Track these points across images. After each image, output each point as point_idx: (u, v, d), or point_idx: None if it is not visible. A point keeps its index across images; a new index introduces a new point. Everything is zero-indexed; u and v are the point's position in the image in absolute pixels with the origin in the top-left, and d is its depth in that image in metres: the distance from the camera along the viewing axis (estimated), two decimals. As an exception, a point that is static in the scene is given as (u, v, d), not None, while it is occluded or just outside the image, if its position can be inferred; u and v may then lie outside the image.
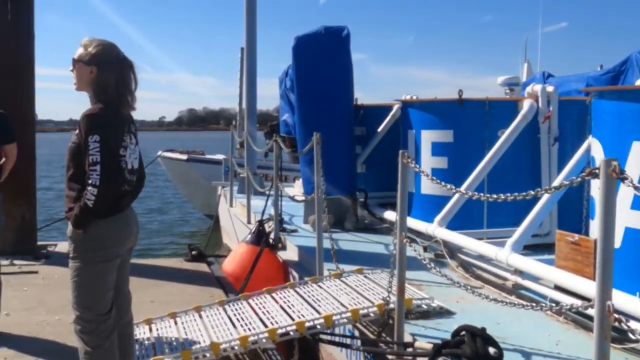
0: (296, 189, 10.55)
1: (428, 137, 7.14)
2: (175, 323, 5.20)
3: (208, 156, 17.79)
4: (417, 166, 4.19)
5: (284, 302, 5.10)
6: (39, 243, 9.33)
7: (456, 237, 5.96)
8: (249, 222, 9.58)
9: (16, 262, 8.23)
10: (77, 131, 3.74)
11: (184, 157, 17.17)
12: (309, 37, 7.98)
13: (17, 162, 5.82)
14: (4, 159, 5.69)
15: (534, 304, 3.42)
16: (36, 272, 7.84)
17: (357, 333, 4.90)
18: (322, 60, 7.91)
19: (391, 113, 8.85)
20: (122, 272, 4.02)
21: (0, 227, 5.70)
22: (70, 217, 3.70)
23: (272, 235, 7.55)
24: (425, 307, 4.69)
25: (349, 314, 4.55)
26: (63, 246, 9.51)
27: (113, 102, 3.76)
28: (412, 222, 6.92)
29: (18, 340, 5.48)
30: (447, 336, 3.94)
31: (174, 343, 4.78)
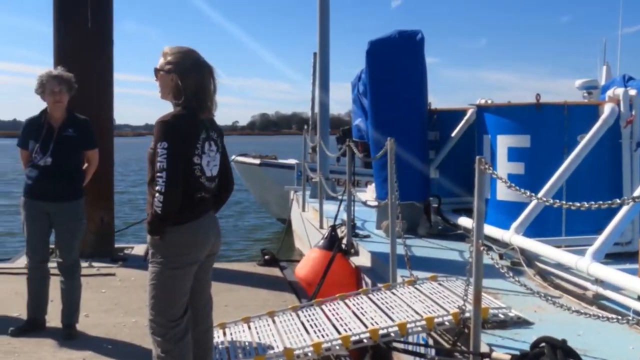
0: (368, 194, 10.49)
1: (504, 142, 6.99)
2: (249, 328, 5.23)
3: (280, 160, 17.90)
4: (495, 172, 4.09)
5: (357, 308, 5.06)
6: (116, 246, 9.56)
7: (534, 245, 5.81)
8: (321, 227, 9.58)
9: (94, 264, 8.45)
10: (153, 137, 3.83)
11: (257, 161, 17.32)
12: (382, 41, 7.92)
13: (97, 167, 5.99)
14: (86, 164, 5.86)
15: (618, 317, 3.29)
16: (114, 275, 8.03)
17: (431, 342, 4.82)
18: (396, 64, 7.83)
19: (465, 117, 8.71)
20: (202, 278, 4.08)
21: (83, 231, 5.87)
22: (146, 224, 3.79)
23: (344, 241, 7.53)
24: (502, 316, 4.58)
25: (423, 322, 4.48)
26: (140, 249, 9.72)
27: (192, 108, 3.81)
28: (488, 229, 6.78)
29: (96, 342, 5.63)
30: (525, 347, 3.83)
31: (248, 348, 4.81)
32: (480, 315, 4.16)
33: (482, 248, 4.04)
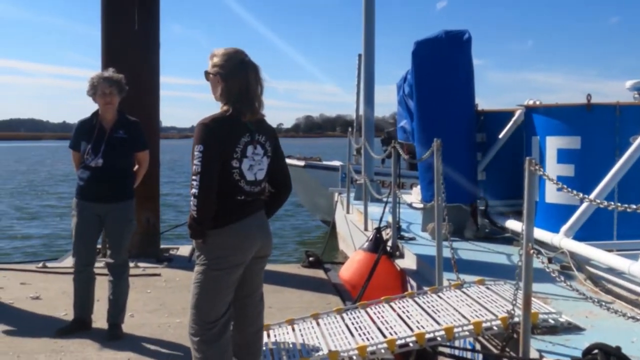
0: (413, 196, 10.38)
1: (553, 144, 6.85)
2: (293, 330, 5.19)
3: (325, 162, 17.87)
4: (545, 173, 3.99)
5: (403, 311, 4.99)
6: (161, 246, 9.63)
7: (584, 249, 5.66)
8: (365, 229, 9.52)
9: (140, 264, 8.53)
10: None
11: (301, 163, 17.30)
12: (429, 41, 7.83)
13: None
14: (137, 166, 5.90)
15: (675, 324, 3.17)
16: (159, 275, 8.08)
17: (478, 347, 4.73)
18: (443, 64, 7.73)
19: (513, 119, 8.54)
20: (251, 280, 4.07)
21: (133, 231, 5.91)
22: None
23: (389, 243, 7.45)
24: (552, 321, 4.46)
25: (471, 327, 4.39)
26: (185, 249, 9.77)
27: (236, 110, 3.80)
28: (537, 232, 6.63)
29: (141, 342, 5.65)
30: (577, 354, 3.73)
31: (292, 350, 4.77)
32: (529, 320, 4.05)
33: (532, 251, 3.94)
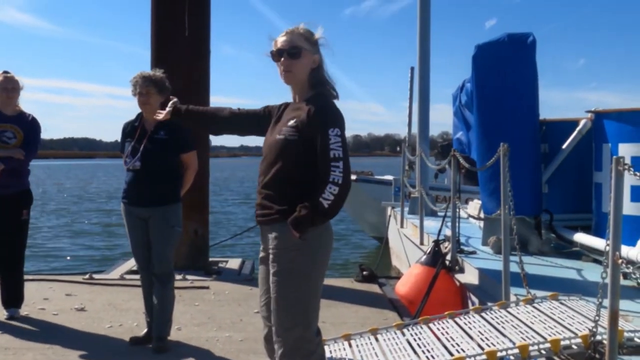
0: (470, 211, 9.97)
1: (627, 151, 6.39)
2: (350, 346, 4.84)
3: (377, 177, 17.48)
4: (637, 173, 3.58)
5: (469, 327, 4.60)
6: (210, 259, 9.39)
7: (668, 263, 5.20)
8: (421, 243, 9.12)
9: (188, 276, 8.29)
10: (292, 122, 3.38)
11: (353, 177, 16.89)
12: (490, 45, 7.42)
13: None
14: (185, 169, 5.63)
15: None
16: (207, 288, 7.83)
17: (553, 367, 4.31)
18: (505, 69, 7.31)
19: (577, 128, 8.08)
20: None
21: (178, 239, 5.64)
22: (292, 217, 3.23)
23: (448, 257, 7.06)
24: (638, 340, 4.03)
25: (547, 345, 3.98)
26: (234, 263, 9.54)
27: (331, 95, 3.50)
28: (609, 246, 6.23)
29: (188, 356, 5.36)
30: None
31: (350, 367, 4.42)
32: (616, 338, 3.64)
33: (621, 261, 3.53)
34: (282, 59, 3.45)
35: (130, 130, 5.55)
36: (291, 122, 3.38)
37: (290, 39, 3.46)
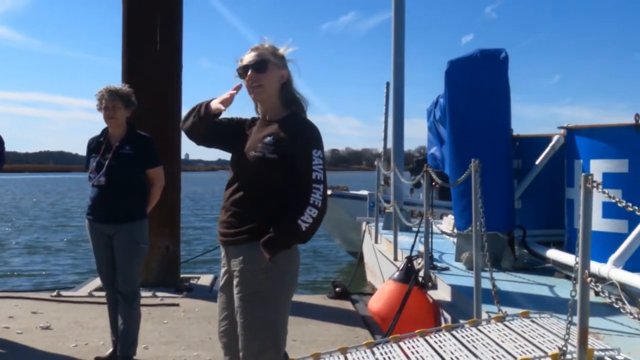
0: (444, 226, 9.93)
1: (599, 168, 6.39)
2: (319, 365, 4.76)
3: (352, 192, 17.42)
4: (605, 190, 3.55)
5: (440, 346, 4.53)
6: (182, 275, 9.27)
7: (638, 280, 5.17)
8: (395, 259, 9.07)
9: (158, 293, 8.16)
10: (270, 140, 3.26)
11: (328, 192, 16.86)
12: (463, 60, 7.41)
13: (162, 193, 5.65)
14: (151, 185, 5.53)
15: None
16: (177, 305, 7.70)
17: (524, 387, 4.25)
18: (478, 85, 7.29)
19: (550, 144, 8.10)
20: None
21: (144, 256, 5.53)
22: (266, 238, 3.12)
23: (421, 273, 7.00)
24: (609, 359, 3.99)
25: (517, 364, 3.92)
26: (206, 279, 9.42)
27: (304, 112, 3.43)
28: (581, 262, 6.21)
29: (155, 376, 5.24)
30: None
31: (318, 387, 4.33)
32: (585, 357, 3.59)
33: (590, 279, 3.49)
34: (249, 73, 3.34)
35: (95, 145, 5.45)
36: (268, 139, 3.26)
37: (256, 54, 3.38)
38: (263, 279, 3.21)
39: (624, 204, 3.37)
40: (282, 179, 3.22)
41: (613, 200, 3.44)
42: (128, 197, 5.32)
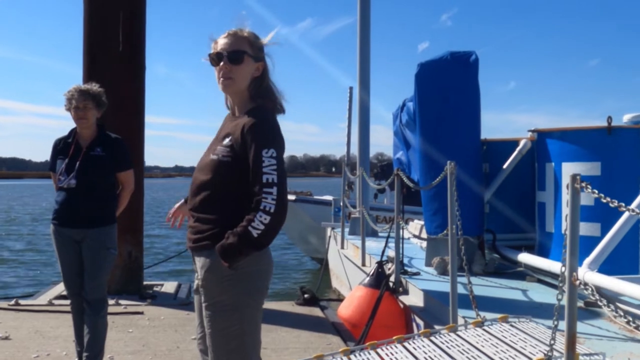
0: (411, 230, 9.86)
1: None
2: (294, 373, 4.61)
3: (316, 197, 17.28)
4: (595, 190, 3.48)
5: (419, 352, 4.42)
6: (145, 283, 9.04)
7: (616, 283, 5.13)
8: (363, 264, 8.96)
9: (122, 301, 7.93)
10: (227, 141, 3.03)
11: (292, 197, 16.68)
12: (433, 63, 7.34)
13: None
14: (120, 188, 5.33)
15: None
16: (142, 313, 7.48)
17: (506, 393, 4.16)
18: (448, 88, 7.24)
19: (518, 148, 8.10)
20: None
21: (113, 262, 5.32)
22: (219, 245, 2.90)
23: (392, 278, 6.90)
24: (593, 364, 3.91)
25: (501, 370, 3.83)
26: (170, 286, 9.21)
27: (274, 109, 3.15)
28: (553, 265, 6.17)
29: (122, 387, 5.04)
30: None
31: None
32: (573, 362, 3.51)
33: (578, 282, 3.41)
34: (222, 63, 3.09)
35: (64, 146, 5.22)
36: (226, 141, 3.04)
37: (232, 42, 3.09)
38: (225, 286, 2.99)
39: (616, 204, 3.29)
40: (240, 183, 2.98)
41: (604, 201, 3.35)
42: (99, 201, 5.11)
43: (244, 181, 2.96)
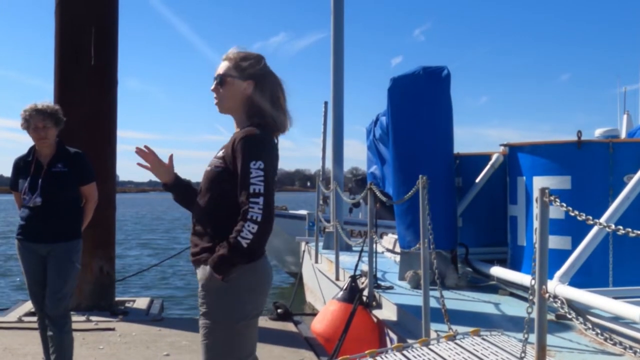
0: (385, 244, 9.87)
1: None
2: (266, 389, 4.58)
3: (291, 211, 17.26)
4: (563, 204, 3.51)
5: (391, 367, 4.42)
6: (116, 298, 8.94)
7: (586, 296, 5.16)
8: (337, 278, 8.95)
9: (92, 318, 7.82)
10: (220, 154, 3.14)
11: None
12: (406, 78, 7.39)
13: (96, 213, 5.42)
14: (84, 201, 5.29)
15: None
16: (113, 329, 7.39)
17: (478, 407, 4.17)
18: (421, 102, 7.29)
19: (490, 162, 8.16)
20: None
21: (75, 276, 5.26)
22: (210, 258, 2.99)
23: (365, 292, 6.89)
24: (564, 377, 3.94)
25: (473, 384, 3.83)
26: (142, 302, 9.12)
27: (269, 126, 3.17)
28: (524, 278, 6.19)
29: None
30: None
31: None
32: (544, 375, 3.53)
33: (547, 295, 3.43)
34: (212, 85, 3.25)
35: (24, 165, 5.18)
36: (220, 154, 3.15)
37: (221, 65, 3.25)
38: (216, 299, 3.05)
39: (583, 217, 3.32)
40: (232, 194, 3.04)
41: (572, 214, 3.38)
42: (64, 216, 5.08)
43: (235, 195, 3.03)
